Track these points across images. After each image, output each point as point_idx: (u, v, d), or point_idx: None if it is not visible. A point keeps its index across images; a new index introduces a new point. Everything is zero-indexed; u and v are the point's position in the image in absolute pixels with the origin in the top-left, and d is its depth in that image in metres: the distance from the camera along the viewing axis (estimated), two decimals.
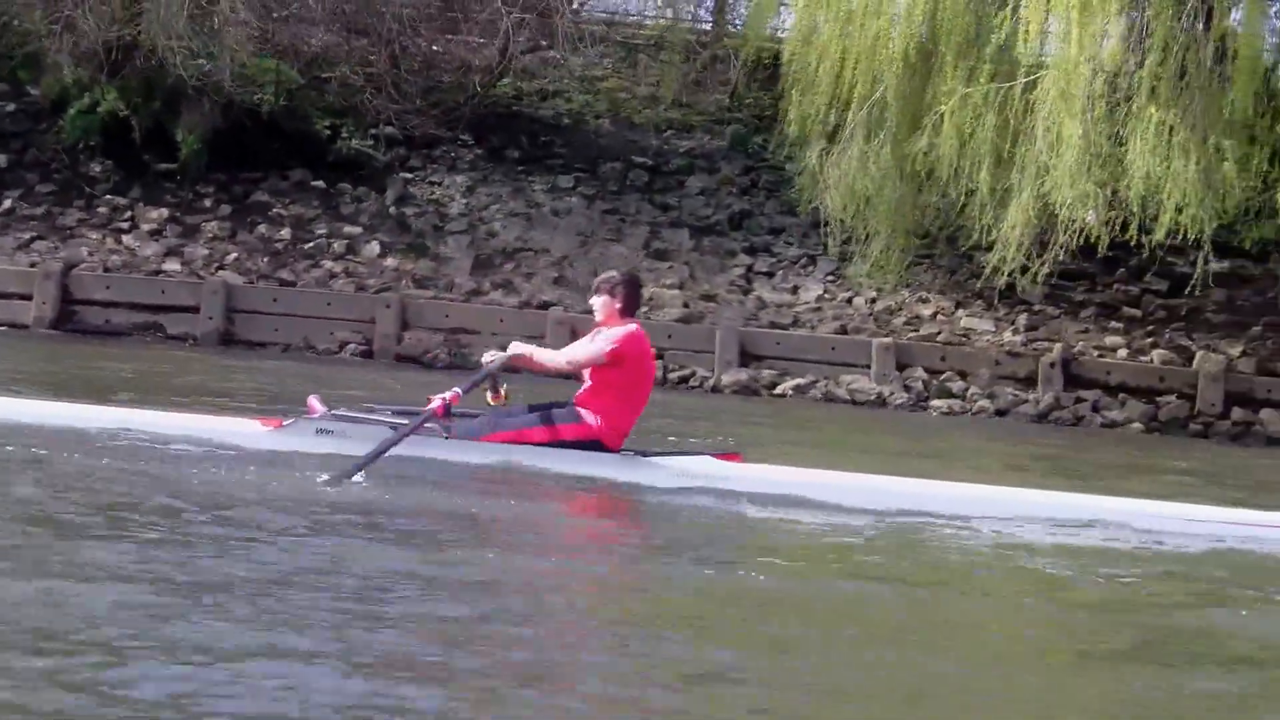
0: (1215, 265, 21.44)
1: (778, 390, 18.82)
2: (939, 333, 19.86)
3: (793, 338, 19.54)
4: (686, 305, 19.98)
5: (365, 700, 4.00)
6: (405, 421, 8.26)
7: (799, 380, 18.89)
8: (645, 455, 8.47)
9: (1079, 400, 19.02)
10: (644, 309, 19.78)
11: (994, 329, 20.13)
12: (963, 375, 19.27)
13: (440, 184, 22.04)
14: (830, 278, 20.72)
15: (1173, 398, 19.18)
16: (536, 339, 19.18)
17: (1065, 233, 17.64)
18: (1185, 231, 17.24)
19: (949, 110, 18.31)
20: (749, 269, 21.01)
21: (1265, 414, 19.24)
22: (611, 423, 8.41)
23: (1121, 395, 19.19)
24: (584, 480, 8.24)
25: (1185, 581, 7.25)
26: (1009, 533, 8.07)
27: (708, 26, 25.63)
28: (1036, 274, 18.30)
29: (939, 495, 8.48)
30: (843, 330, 19.72)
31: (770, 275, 20.96)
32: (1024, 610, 6.32)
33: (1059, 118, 17.39)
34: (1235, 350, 20.06)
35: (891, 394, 18.78)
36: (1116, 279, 21.25)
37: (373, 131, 22.41)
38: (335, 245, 20.67)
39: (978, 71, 18.49)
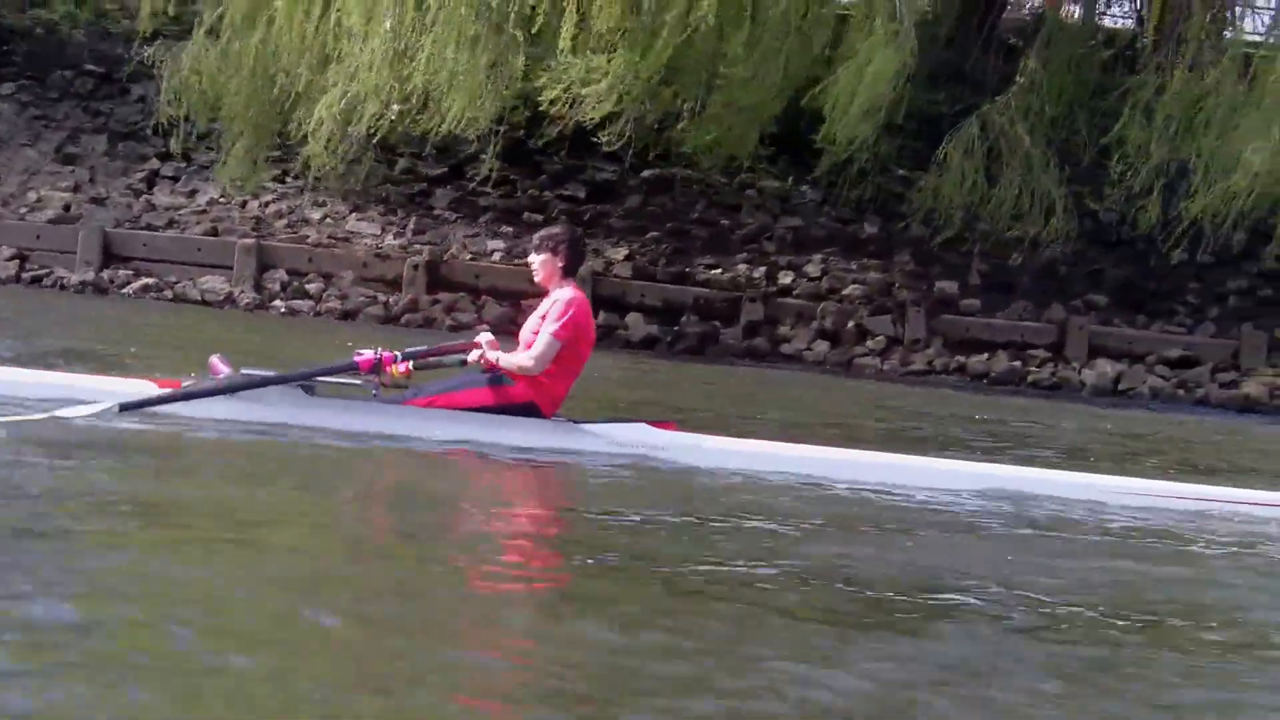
0: (648, 172, 21.68)
1: (125, 290, 18.79)
2: (311, 235, 19.84)
3: (159, 239, 19.49)
4: (68, 208, 19.88)
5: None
6: (316, 378, 7.68)
7: (147, 280, 18.86)
8: (578, 423, 7.90)
9: (435, 302, 19.07)
10: (25, 209, 19.80)
11: (379, 233, 20.12)
12: (328, 277, 19.29)
13: None
14: (236, 183, 20.60)
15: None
16: None
17: (366, 123, 17.68)
18: (468, 124, 17.32)
19: (282, 5, 18.26)
20: (155, 173, 20.92)
21: (630, 318, 19.34)
22: (549, 390, 7.84)
23: (485, 298, 19.24)
24: (513, 449, 7.63)
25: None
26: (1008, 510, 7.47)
27: None
28: (360, 166, 18.38)
29: (840, 461, 8.04)
30: (214, 232, 19.67)
31: (175, 180, 20.89)
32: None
33: (364, 12, 17.38)
34: (621, 255, 20.12)
35: (241, 293, 18.77)
36: (537, 184, 21.31)
37: None
38: None
39: None
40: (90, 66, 22.54)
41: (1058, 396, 18.65)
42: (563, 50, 16.78)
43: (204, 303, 18.71)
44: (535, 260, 8.03)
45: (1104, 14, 27.18)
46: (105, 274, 18.93)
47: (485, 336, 8.00)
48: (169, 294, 18.84)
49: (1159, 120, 19.17)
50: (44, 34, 23.35)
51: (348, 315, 18.78)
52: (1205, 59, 19.79)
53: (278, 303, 18.69)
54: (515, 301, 19.18)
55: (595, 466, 7.56)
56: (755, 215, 21.32)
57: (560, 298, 7.89)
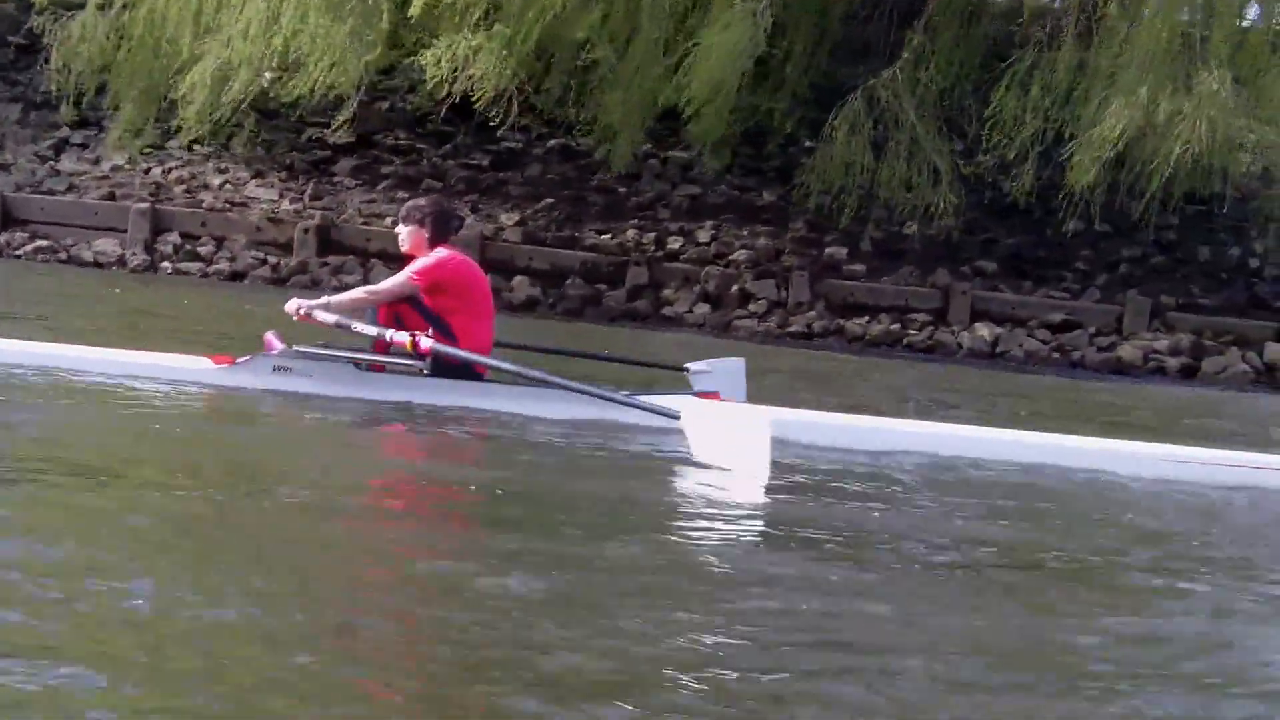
0: (553, 142, 22.10)
1: (17, 251, 19.33)
2: (206, 200, 20.34)
3: (58, 203, 20.03)
4: None
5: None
6: (371, 358, 7.93)
7: (42, 242, 19.41)
8: (625, 395, 7.86)
9: (324, 265, 19.53)
10: None
11: (276, 198, 20.59)
12: (220, 240, 19.78)
13: None
14: (147, 150, 21.09)
15: None
16: None
17: (240, 91, 18.20)
18: (330, 87, 17.88)
19: None
20: (65, 141, 21.48)
21: (516, 281, 19.74)
22: (477, 343, 8.06)
23: (374, 260, 19.67)
24: (566, 424, 7.68)
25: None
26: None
27: None
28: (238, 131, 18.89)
29: (928, 435, 8.04)
30: (112, 197, 20.18)
31: (85, 147, 21.44)
32: None
33: None
34: (513, 220, 20.51)
35: (132, 255, 19.30)
36: (441, 153, 21.76)
37: None
38: None
39: None
40: (12, 38, 23.12)
41: (933, 359, 18.95)
42: (412, 17, 17.23)
43: (96, 264, 19.23)
44: (402, 231, 8.30)
45: None
46: (3, 237, 19.47)
47: (293, 304, 7.91)
48: (63, 255, 19.37)
49: (1035, 90, 19.41)
50: None
51: (236, 276, 19.27)
52: (1090, 31, 20.05)
53: (166, 264, 19.20)
54: (404, 265, 19.62)
55: (638, 439, 7.49)
56: (654, 184, 21.66)
57: (422, 259, 8.13)
